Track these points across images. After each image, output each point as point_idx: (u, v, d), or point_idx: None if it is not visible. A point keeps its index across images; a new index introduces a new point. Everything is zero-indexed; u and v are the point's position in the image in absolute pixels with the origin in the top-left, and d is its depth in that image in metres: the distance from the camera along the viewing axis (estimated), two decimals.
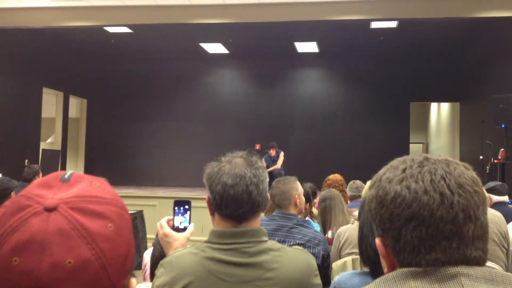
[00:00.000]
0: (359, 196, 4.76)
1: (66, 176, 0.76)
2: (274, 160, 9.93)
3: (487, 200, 0.86)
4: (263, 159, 9.80)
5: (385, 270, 0.89)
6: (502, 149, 7.60)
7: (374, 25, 9.19)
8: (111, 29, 9.88)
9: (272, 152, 9.93)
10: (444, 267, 0.80)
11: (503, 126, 7.65)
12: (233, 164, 1.57)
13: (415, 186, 0.83)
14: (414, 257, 0.83)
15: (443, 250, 0.81)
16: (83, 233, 0.68)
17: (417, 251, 0.82)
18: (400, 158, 0.90)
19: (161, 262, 1.57)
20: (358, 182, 4.96)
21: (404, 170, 0.86)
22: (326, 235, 3.76)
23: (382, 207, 0.86)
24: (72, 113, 12.81)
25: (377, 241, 0.89)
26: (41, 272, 0.66)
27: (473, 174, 0.85)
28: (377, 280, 0.84)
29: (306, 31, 10.02)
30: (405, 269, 0.82)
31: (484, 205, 0.84)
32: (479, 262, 0.82)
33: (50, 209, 0.69)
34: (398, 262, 0.85)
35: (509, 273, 0.82)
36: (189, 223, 1.80)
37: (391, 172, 0.87)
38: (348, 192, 4.83)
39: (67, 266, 0.66)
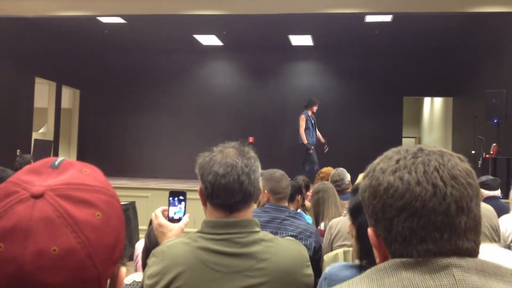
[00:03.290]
0: (343, 190, 4.75)
1: (56, 162, 0.75)
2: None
3: (480, 192, 0.86)
4: (304, 118, 9.36)
5: (377, 260, 0.89)
6: (494, 144, 7.65)
7: (369, 18, 9.19)
8: (104, 20, 9.81)
9: (313, 109, 9.46)
10: (436, 258, 0.80)
11: (495, 121, 7.70)
12: (225, 154, 1.57)
13: (408, 177, 0.83)
14: (405, 248, 0.83)
15: (434, 241, 0.81)
16: (69, 221, 0.67)
17: (408, 241, 0.83)
18: (394, 149, 0.90)
19: (153, 251, 1.57)
20: (337, 174, 4.86)
21: (398, 161, 0.86)
22: (319, 227, 3.78)
23: (375, 197, 0.86)
24: (65, 103, 12.72)
25: (370, 231, 0.89)
26: (25, 260, 0.65)
27: (467, 166, 0.85)
28: (369, 270, 0.85)
29: (301, 24, 9.99)
30: (397, 260, 0.82)
31: (477, 197, 0.84)
32: (472, 253, 0.82)
33: (37, 196, 0.68)
34: (389, 252, 0.86)
35: (500, 264, 0.82)
36: (184, 214, 1.80)
37: (385, 163, 0.87)
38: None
39: (52, 254, 0.65)
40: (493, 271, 0.80)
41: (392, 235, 0.84)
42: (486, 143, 8.06)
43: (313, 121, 9.45)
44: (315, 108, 9.54)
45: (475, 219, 0.83)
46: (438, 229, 0.81)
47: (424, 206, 0.81)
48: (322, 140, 9.61)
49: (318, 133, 9.61)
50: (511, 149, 7.60)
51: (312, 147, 9.29)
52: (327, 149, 9.49)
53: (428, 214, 0.81)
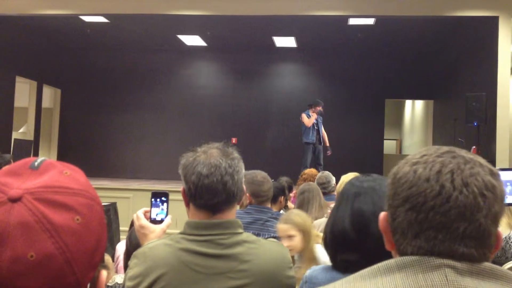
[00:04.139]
0: (329, 192, 4.79)
1: (36, 163, 0.74)
2: (321, 122, 9.32)
3: (501, 206, 0.84)
4: (314, 114, 9.30)
5: (386, 246, 0.91)
6: (474, 147, 7.75)
7: (352, 21, 9.25)
8: (87, 18, 9.72)
9: (316, 110, 9.28)
10: (430, 258, 0.81)
11: (475, 124, 7.79)
12: (209, 154, 1.57)
13: (421, 172, 0.84)
14: (403, 241, 0.85)
15: (427, 239, 0.82)
16: (47, 226, 0.66)
17: (405, 235, 0.84)
18: (432, 146, 0.91)
19: (134, 253, 1.56)
20: (324, 177, 4.93)
21: (422, 156, 0.87)
22: None
23: (391, 183, 0.88)
24: (46, 103, 12.58)
25: (381, 215, 0.91)
26: (1, 266, 0.64)
27: (491, 179, 0.83)
28: (363, 271, 0.86)
29: (285, 25, 10.02)
30: (391, 261, 0.84)
31: (489, 211, 0.82)
32: (470, 259, 0.81)
33: (14, 200, 0.67)
34: (394, 241, 0.88)
35: (498, 267, 0.82)
36: (166, 215, 1.79)
37: (414, 155, 0.89)
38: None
39: (29, 260, 0.64)
40: (488, 273, 0.80)
41: (395, 224, 0.86)
42: (465, 145, 8.16)
43: (315, 122, 9.35)
44: (317, 109, 9.40)
45: (480, 231, 0.81)
46: (433, 228, 0.82)
47: (425, 202, 0.82)
48: (327, 143, 9.53)
49: (324, 135, 9.52)
50: (490, 152, 7.71)
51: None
52: (329, 153, 9.44)
53: (427, 212, 0.82)
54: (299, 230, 2.57)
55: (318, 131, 9.40)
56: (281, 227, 2.62)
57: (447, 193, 0.81)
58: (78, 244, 0.68)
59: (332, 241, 1.61)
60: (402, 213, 0.84)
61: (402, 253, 0.86)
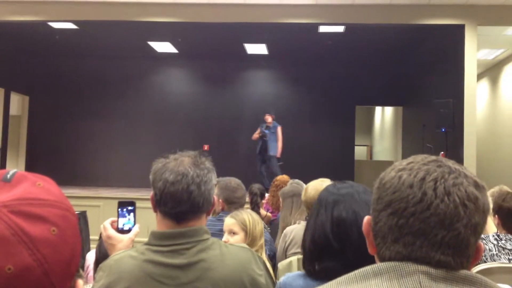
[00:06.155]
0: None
1: (8, 176, 0.73)
2: (272, 133, 9.24)
3: (482, 218, 0.84)
4: (258, 129, 9.38)
5: (369, 250, 0.92)
6: (442, 152, 7.90)
7: (322, 29, 9.35)
8: (55, 25, 9.58)
9: (268, 119, 9.28)
10: (406, 264, 0.82)
11: (443, 130, 7.95)
12: (179, 162, 1.55)
13: (405, 178, 0.85)
14: (383, 245, 0.86)
15: (406, 245, 0.83)
16: (24, 238, 0.66)
17: (385, 239, 0.85)
18: (421, 155, 0.92)
19: (100, 265, 1.54)
20: (296, 183, 4.86)
21: (409, 163, 0.88)
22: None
23: (376, 188, 0.89)
24: (13, 110, 12.32)
25: (365, 218, 0.92)
26: None
27: (474, 190, 0.83)
28: (340, 278, 0.86)
29: (256, 33, 10.07)
30: (368, 267, 0.84)
31: (469, 221, 0.82)
32: (446, 266, 0.82)
33: None
34: (375, 245, 0.89)
35: (473, 273, 0.82)
36: (134, 224, 1.77)
37: (401, 162, 0.90)
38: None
39: (7, 273, 0.64)
40: (463, 280, 0.80)
41: (376, 228, 0.87)
42: (434, 151, 8.31)
43: (266, 132, 9.36)
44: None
45: (458, 240, 0.82)
46: (412, 234, 0.82)
47: (406, 208, 0.83)
48: (278, 155, 9.35)
49: (278, 145, 9.40)
50: (458, 157, 7.87)
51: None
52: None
53: (408, 217, 0.82)
54: (243, 229, 2.50)
55: (265, 142, 9.33)
56: (227, 221, 2.56)
57: (429, 200, 0.82)
58: (55, 255, 0.68)
59: (313, 249, 1.59)
60: (384, 218, 0.85)
61: (381, 258, 0.86)
